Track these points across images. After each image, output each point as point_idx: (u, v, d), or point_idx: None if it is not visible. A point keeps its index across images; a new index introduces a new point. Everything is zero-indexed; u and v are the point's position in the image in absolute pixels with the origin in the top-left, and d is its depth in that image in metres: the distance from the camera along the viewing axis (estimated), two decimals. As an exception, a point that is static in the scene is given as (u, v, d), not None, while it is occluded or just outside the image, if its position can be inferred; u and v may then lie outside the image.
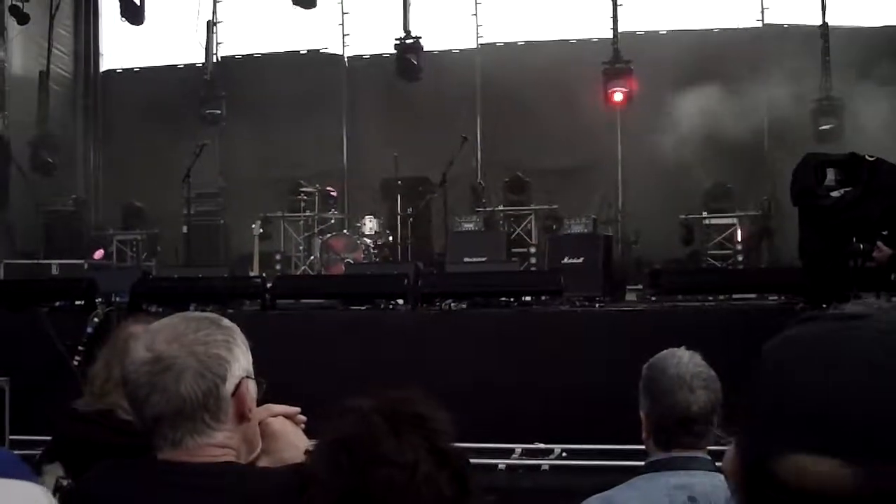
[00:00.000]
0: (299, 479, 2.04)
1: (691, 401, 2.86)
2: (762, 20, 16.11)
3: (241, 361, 2.15)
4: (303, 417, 2.42)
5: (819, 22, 15.04)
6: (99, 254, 15.07)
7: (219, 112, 16.54)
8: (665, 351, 3.02)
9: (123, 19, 16.44)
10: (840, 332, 1.00)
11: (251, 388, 2.17)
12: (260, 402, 2.26)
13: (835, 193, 7.83)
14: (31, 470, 1.94)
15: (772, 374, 1.02)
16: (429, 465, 1.58)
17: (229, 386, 2.10)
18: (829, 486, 0.91)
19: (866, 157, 7.90)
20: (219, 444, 2.11)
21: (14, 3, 15.57)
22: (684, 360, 2.94)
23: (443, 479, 1.59)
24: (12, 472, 1.83)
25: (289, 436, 2.34)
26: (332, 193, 14.78)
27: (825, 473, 0.91)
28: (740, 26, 16.07)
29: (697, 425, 2.87)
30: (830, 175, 7.88)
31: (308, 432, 2.40)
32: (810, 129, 14.40)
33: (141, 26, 16.69)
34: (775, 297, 9.87)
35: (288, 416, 2.39)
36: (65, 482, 3.04)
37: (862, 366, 0.95)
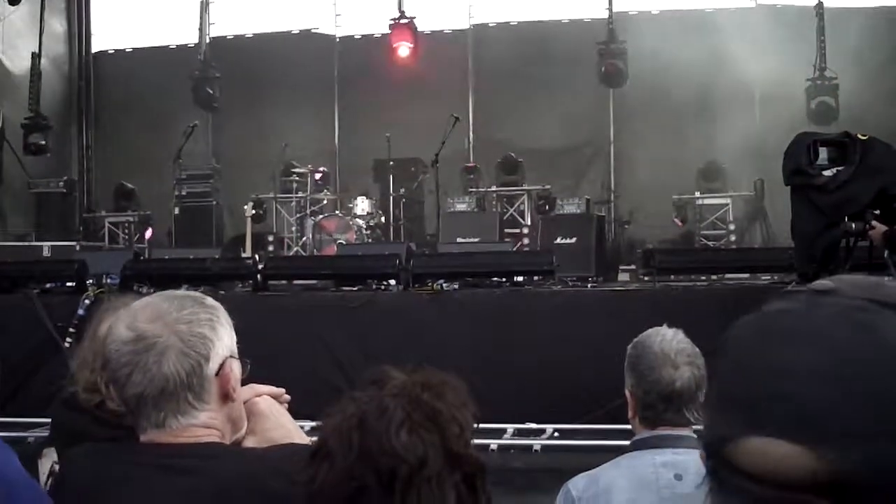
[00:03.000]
0: (289, 456, 2.03)
1: (675, 377, 2.86)
2: (755, -1, 16.07)
3: (224, 341, 2.12)
4: (287, 397, 2.40)
5: (814, 1, 14.98)
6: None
7: (213, 93, 16.46)
8: (650, 330, 3.01)
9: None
10: (802, 308, 0.94)
11: (235, 367, 2.14)
12: (249, 382, 2.24)
13: (827, 172, 7.80)
14: (10, 451, 1.91)
15: (729, 354, 0.97)
16: (438, 465, 1.54)
17: (213, 365, 2.08)
18: (785, 471, 0.87)
19: (859, 135, 7.87)
20: (203, 425, 2.08)
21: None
22: (668, 338, 2.94)
23: (450, 482, 1.56)
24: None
25: (276, 416, 2.33)
26: (318, 172, 14.68)
27: (781, 458, 0.87)
28: (733, 5, 16.01)
29: (682, 402, 2.86)
30: (823, 154, 7.84)
31: (293, 412, 2.38)
32: (804, 108, 14.36)
33: (131, 6, 16.56)
34: (768, 277, 9.89)
35: (273, 396, 2.37)
36: (58, 467, 3.03)
37: (820, 343, 0.90)
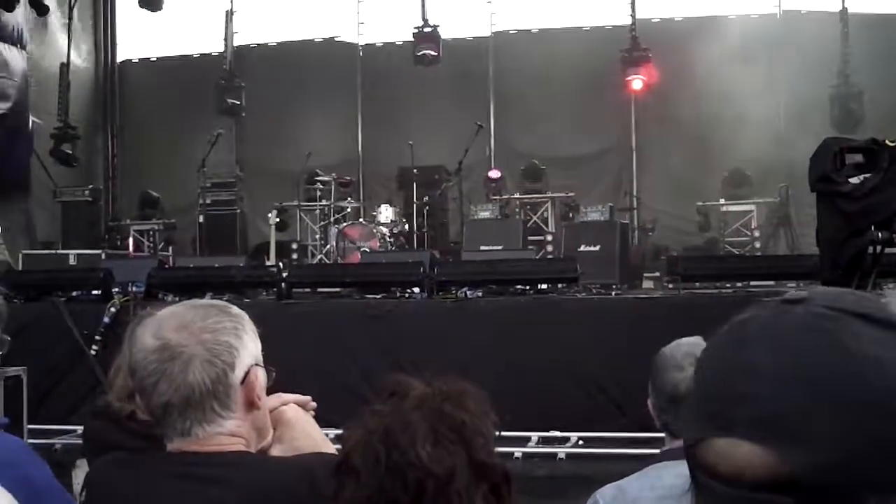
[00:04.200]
0: (315, 466, 2.03)
1: (679, 379, 2.84)
2: (779, 6, 15.99)
3: (249, 349, 2.12)
4: (314, 405, 2.40)
5: (838, 8, 14.91)
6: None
7: (239, 102, 16.54)
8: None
9: (142, 7, 16.42)
10: (770, 315, 0.97)
11: (260, 375, 2.14)
12: (274, 391, 2.24)
13: (854, 179, 7.74)
14: (40, 459, 1.93)
15: (702, 358, 1.02)
16: (465, 477, 1.54)
17: (238, 373, 2.08)
18: (750, 471, 0.89)
19: (887, 141, 7.80)
20: (228, 433, 2.09)
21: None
22: (682, 343, 2.93)
23: (479, 493, 1.55)
24: (21, 459, 1.83)
25: (302, 424, 2.33)
26: (343, 182, 14.73)
27: (745, 458, 0.90)
28: (757, 12, 15.96)
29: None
30: (850, 161, 7.78)
31: (316, 420, 2.38)
32: (828, 115, 14.29)
33: (157, 15, 16.66)
34: (793, 284, 9.82)
35: (300, 405, 2.37)
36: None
37: (783, 347, 0.92)
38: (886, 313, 0.95)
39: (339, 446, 1.70)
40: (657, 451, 3.05)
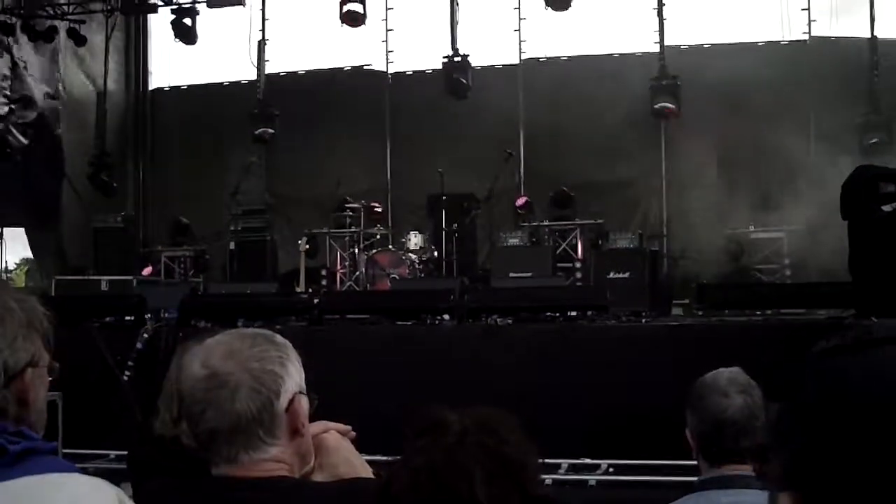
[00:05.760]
0: (358, 492, 2.07)
1: (725, 405, 2.86)
2: (809, 32, 15.98)
3: (294, 377, 2.17)
4: (353, 434, 2.44)
5: (867, 35, 14.88)
6: (147, 270, 15.27)
7: (272, 131, 16.66)
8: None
9: (177, 40, 16.63)
10: (874, 360, 0.98)
11: (304, 403, 2.19)
12: (310, 418, 2.28)
13: (886, 207, 7.72)
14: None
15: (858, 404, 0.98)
16: None
17: (283, 401, 2.13)
18: None
19: (921, 170, 7.79)
20: (273, 459, 2.13)
21: (72, 26, 15.95)
22: (723, 371, 2.96)
23: None
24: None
25: (343, 451, 2.37)
26: (376, 209, 14.85)
27: None
28: (786, 38, 15.95)
29: (735, 430, 2.85)
30: (883, 188, 7.76)
31: (357, 447, 2.43)
32: (858, 142, 14.23)
33: (188, 45, 16.87)
34: (824, 312, 9.76)
35: (340, 433, 2.41)
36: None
37: None
38: None
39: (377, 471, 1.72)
40: (691, 478, 3.06)
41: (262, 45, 17.92)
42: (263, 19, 18.03)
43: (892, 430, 0.93)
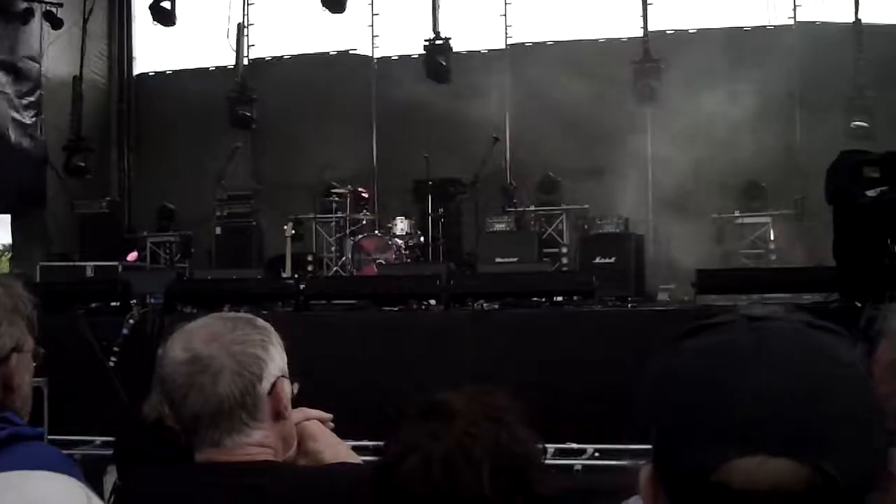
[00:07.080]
0: (341, 475, 2.06)
1: None
2: (794, 17, 15.99)
3: (276, 361, 2.17)
4: (332, 424, 2.45)
5: (852, 19, 14.89)
6: (132, 256, 15.22)
7: (250, 114, 16.59)
8: None
9: (156, 23, 16.53)
10: (753, 334, 1.03)
11: (287, 387, 2.19)
12: (296, 403, 2.28)
13: (871, 192, 7.73)
14: (76, 467, 1.96)
15: (690, 385, 1.06)
16: None
17: (266, 385, 2.13)
18: (782, 484, 0.96)
19: (905, 155, 7.80)
20: (257, 443, 2.13)
21: (48, 8, 15.80)
22: None
23: None
24: (58, 468, 1.86)
25: (327, 437, 2.38)
26: (363, 195, 14.82)
27: (776, 473, 0.96)
28: (771, 24, 15.95)
29: None
30: (867, 174, 7.78)
31: (342, 433, 2.43)
32: (842, 127, 14.25)
33: (173, 29, 16.76)
34: (809, 296, 9.80)
35: (321, 421, 2.42)
36: (119, 484, 3.08)
37: (785, 366, 0.99)
38: (823, 321, 1.05)
39: (366, 458, 1.71)
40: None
41: (241, 27, 17.80)
42: (246, 3, 17.93)
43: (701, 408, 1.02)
